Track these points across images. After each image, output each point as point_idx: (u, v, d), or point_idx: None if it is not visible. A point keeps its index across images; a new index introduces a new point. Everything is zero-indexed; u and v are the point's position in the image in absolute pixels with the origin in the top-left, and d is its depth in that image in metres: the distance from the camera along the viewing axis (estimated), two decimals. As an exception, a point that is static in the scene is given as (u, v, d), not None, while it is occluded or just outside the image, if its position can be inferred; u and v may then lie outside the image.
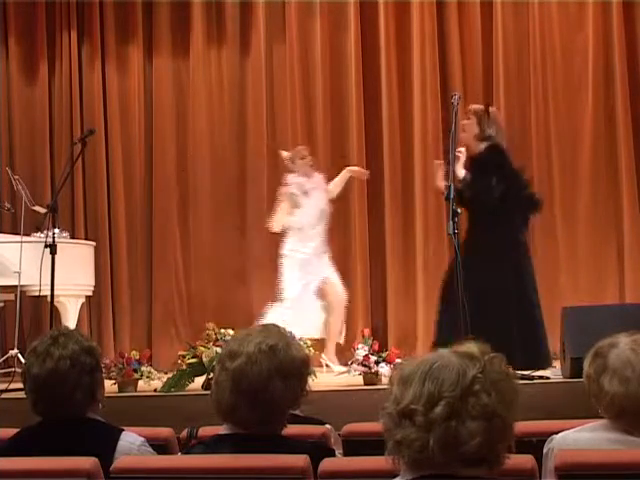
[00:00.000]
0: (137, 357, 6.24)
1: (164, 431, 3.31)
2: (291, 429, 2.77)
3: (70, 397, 2.90)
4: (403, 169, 8.55)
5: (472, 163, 6.33)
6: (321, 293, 7.32)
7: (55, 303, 6.60)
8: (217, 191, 8.65)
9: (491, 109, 6.53)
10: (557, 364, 6.11)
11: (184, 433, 3.15)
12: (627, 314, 5.68)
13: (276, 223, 7.38)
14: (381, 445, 1.95)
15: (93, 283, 7.74)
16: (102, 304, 8.61)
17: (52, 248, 6.15)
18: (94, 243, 7.91)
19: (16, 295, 6.91)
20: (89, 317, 8.56)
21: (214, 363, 2.83)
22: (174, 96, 8.87)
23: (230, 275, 8.54)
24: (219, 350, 5.59)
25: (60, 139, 8.77)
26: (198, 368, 6.04)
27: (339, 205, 8.39)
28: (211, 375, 5.54)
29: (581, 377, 2.73)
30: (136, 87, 8.86)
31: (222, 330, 6.12)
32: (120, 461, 2.73)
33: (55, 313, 6.68)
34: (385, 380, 5.64)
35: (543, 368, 5.98)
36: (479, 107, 6.48)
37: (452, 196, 5.23)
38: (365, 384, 6.00)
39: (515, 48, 8.53)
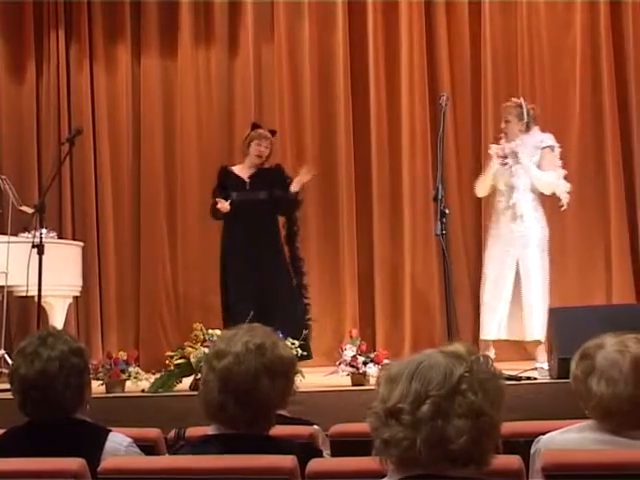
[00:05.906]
0: (124, 357, 6.22)
1: (152, 432, 3.31)
2: (279, 430, 2.77)
3: (59, 398, 2.89)
4: (391, 169, 8.55)
5: None
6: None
7: (42, 303, 6.59)
8: (205, 191, 8.57)
9: None
10: (545, 364, 6.12)
11: (172, 434, 3.14)
12: (614, 315, 5.69)
13: None
14: (369, 446, 1.95)
15: (80, 283, 7.71)
16: (89, 304, 8.57)
17: (39, 248, 6.14)
18: (82, 243, 7.88)
19: (3, 295, 6.90)
20: (76, 317, 8.52)
21: (202, 363, 2.83)
22: (162, 96, 8.84)
23: (218, 276, 8.51)
24: (207, 350, 5.58)
25: (48, 139, 8.74)
26: (186, 369, 6.03)
27: (327, 205, 8.40)
28: (199, 376, 5.53)
29: (569, 378, 2.73)
30: (124, 87, 8.83)
31: (210, 331, 6.11)
32: (107, 462, 2.73)
33: (42, 314, 6.67)
34: (373, 381, 5.64)
35: None
36: None
37: (440, 197, 5.23)
38: (353, 385, 5.99)
39: (503, 47, 8.53)
